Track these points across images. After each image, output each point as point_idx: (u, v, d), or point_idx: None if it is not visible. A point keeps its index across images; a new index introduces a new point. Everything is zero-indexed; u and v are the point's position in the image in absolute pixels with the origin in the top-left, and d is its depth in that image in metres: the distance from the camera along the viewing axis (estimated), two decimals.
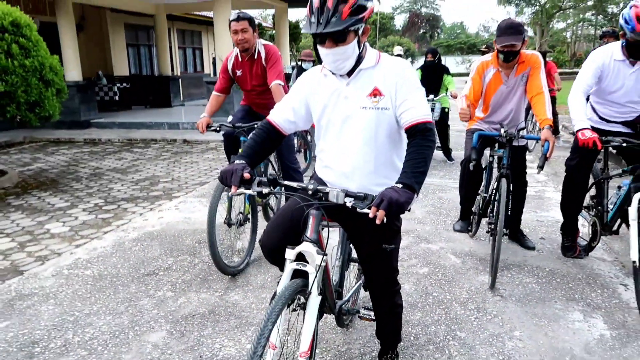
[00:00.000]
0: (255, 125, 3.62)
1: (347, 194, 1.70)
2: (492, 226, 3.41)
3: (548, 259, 3.67)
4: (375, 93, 1.87)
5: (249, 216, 3.70)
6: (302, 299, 1.80)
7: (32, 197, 5.79)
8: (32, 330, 2.76)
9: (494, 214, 3.44)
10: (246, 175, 1.79)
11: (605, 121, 3.37)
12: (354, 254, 2.40)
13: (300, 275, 1.79)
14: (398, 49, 9.58)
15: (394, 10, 68.36)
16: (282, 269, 1.85)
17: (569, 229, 3.68)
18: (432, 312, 2.89)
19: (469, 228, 4.07)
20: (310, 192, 1.78)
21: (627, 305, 2.93)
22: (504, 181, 3.28)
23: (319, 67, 1.99)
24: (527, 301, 3.01)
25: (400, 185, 1.64)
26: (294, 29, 25.72)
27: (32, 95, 5.78)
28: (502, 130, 3.37)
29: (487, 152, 3.75)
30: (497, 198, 3.37)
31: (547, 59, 8.54)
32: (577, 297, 3.04)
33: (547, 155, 3.06)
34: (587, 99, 3.42)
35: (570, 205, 3.59)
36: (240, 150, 3.72)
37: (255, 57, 3.83)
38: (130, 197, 5.68)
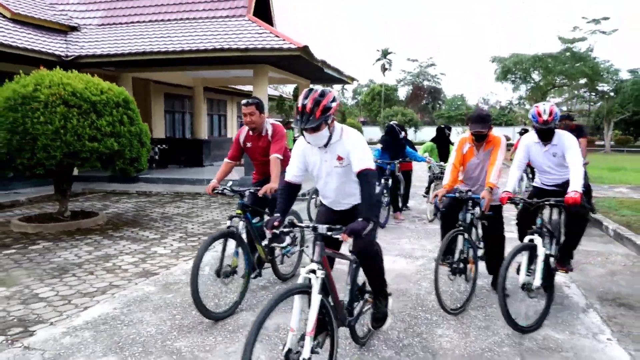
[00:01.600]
0: (250, 191, 4.31)
1: (329, 229, 2.75)
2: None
3: None
4: (340, 158, 3.09)
5: (237, 269, 4.17)
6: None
7: (126, 231, 7.47)
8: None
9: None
10: (276, 223, 2.88)
11: (545, 184, 4.70)
12: (367, 287, 3.43)
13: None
14: (394, 122, 11.59)
15: (397, 82, 72.32)
16: None
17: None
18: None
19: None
20: (311, 228, 2.83)
21: (564, 293, 4.54)
22: (459, 235, 4.26)
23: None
24: None
25: (360, 219, 2.76)
26: None
27: (133, 153, 7.61)
28: (457, 193, 4.39)
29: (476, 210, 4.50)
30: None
31: None
32: None
33: (482, 210, 4.19)
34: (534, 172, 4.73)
35: (521, 238, 4.72)
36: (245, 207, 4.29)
37: (263, 133, 4.54)
38: (205, 233, 7.34)
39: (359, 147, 3.02)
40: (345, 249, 3.31)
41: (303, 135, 3.01)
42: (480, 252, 4.65)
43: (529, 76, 40.37)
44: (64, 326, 3.79)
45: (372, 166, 3.00)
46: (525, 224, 4.53)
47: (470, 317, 4.01)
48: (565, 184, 4.37)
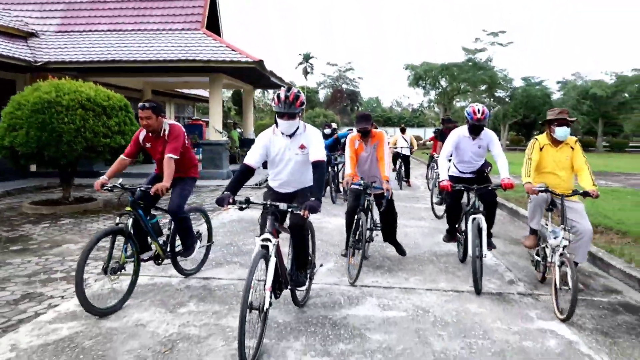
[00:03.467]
0: (141, 189, 4.32)
1: (289, 206, 3.35)
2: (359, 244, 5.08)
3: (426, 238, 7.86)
4: (302, 147, 3.72)
5: (125, 265, 4.16)
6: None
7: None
8: (220, 238, 6.47)
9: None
10: (231, 200, 3.34)
11: (462, 172, 5.58)
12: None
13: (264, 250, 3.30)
14: (334, 125, 13.82)
15: (318, 85, 75.45)
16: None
17: (450, 232, 5.93)
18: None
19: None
20: (269, 205, 3.37)
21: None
22: (362, 215, 5.01)
23: (270, 130, 3.81)
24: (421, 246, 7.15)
25: (313, 199, 3.34)
26: (239, 96, 30.16)
27: None
28: (362, 184, 5.08)
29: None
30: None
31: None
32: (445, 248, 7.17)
33: (389, 198, 5.22)
34: (450, 161, 5.59)
35: (449, 219, 5.84)
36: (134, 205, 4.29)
37: (161, 134, 4.58)
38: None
39: (318, 141, 3.77)
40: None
41: (276, 123, 3.70)
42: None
43: (437, 82, 44.81)
44: None
45: (325, 158, 3.72)
46: (452, 207, 5.74)
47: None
48: (477, 171, 5.56)
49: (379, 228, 5.75)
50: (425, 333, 3.73)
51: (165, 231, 4.82)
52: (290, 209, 3.37)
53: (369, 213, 5.37)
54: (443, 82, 44.86)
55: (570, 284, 3.94)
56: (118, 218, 4.21)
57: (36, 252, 6.09)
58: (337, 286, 4.80)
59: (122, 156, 4.68)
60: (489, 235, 5.30)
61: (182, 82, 18.26)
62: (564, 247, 4.24)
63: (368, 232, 5.39)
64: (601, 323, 4.04)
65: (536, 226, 4.93)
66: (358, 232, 5.02)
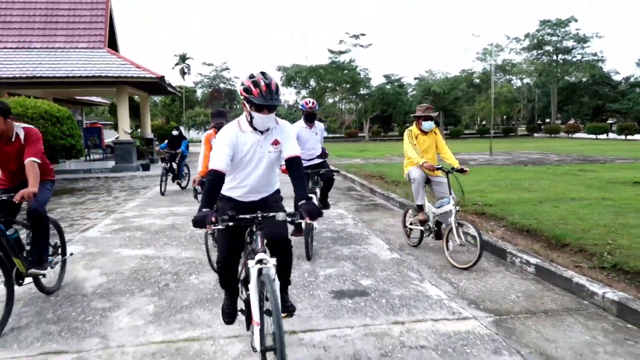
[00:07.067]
0: (2, 198, 4.04)
1: (288, 214, 2.82)
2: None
3: None
4: (275, 143, 3.23)
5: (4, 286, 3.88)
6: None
7: (74, 196, 12.55)
8: (155, 202, 10.44)
9: None
10: (213, 219, 2.73)
11: (306, 159, 6.06)
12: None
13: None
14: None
15: (195, 85, 77.37)
16: (233, 280, 3.27)
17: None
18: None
19: None
20: (260, 219, 2.84)
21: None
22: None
23: (235, 126, 3.20)
24: None
25: (305, 201, 2.91)
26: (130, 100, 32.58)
27: (78, 147, 12.75)
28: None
29: None
30: None
31: None
32: None
33: None
34: None
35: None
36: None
37: (13, 139, 4.17)
38: (126, 193, 12.90)
39: (293, 135, 3.35)
40: None
41: (251, 118, 3.11)
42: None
43: (307, 82, 50.37)
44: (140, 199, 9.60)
45: (300, 154, 3.29)
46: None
47: None
48: (317, 156, 6.50)
49: None
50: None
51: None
52: (290, 219, 2.87)
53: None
54: (312, 82, 50.39)
55: (477, 238, 4.99)
56: None
57: None
58: None
59: None
60: (326, 196, 6.67)
61: (86, 91, 20.93)
62: (457, 211, 5.28)
63: None
64: (358, 209, 9.05)
65: (421, 201, 5.85)
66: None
